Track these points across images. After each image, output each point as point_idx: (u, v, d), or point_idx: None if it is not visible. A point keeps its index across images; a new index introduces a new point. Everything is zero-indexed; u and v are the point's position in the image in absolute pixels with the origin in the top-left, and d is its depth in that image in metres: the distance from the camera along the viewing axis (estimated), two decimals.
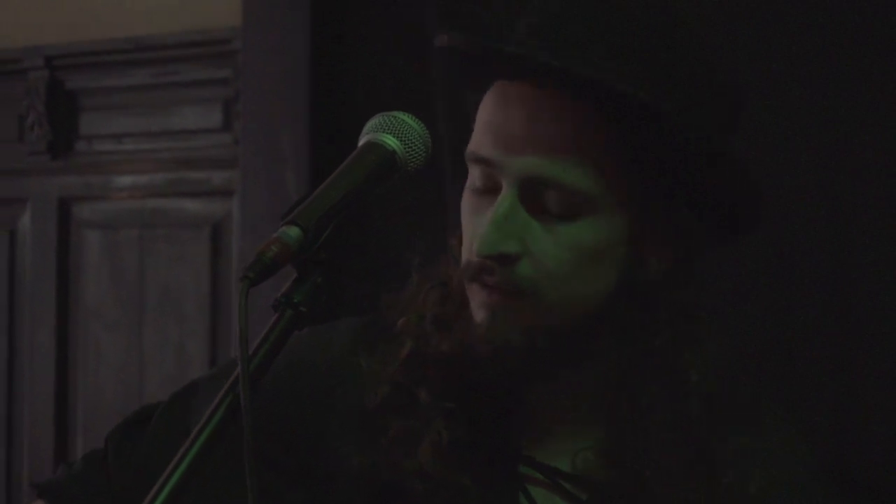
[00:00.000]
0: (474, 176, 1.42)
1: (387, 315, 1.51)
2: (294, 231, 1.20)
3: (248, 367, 1.13)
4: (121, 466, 1.58)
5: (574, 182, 1.36)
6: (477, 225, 1.40)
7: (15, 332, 3.84)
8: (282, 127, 3.18)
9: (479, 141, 1.41)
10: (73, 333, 3.77)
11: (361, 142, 1.31)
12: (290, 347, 1.51)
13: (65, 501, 1.60)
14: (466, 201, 1.43)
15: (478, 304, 1.40)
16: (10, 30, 3.83)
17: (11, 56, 3.81)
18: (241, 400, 1.13)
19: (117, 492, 1.57)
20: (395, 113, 1.32)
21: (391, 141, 1.30)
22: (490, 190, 1.40)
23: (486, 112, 1.41)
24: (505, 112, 1.39)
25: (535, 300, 1.38)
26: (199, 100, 3.62)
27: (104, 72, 3.75)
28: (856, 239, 2.49)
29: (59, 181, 3.81)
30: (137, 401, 3.62)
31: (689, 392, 1.42)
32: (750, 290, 2.49)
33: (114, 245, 3.74)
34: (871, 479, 2.41)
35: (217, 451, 1.16)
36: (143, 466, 1.55)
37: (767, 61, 2.50)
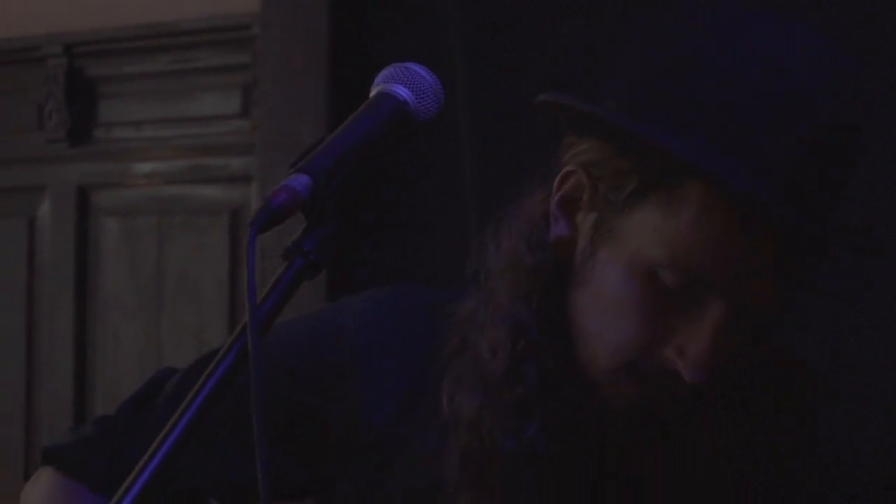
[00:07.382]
0: (665, 277, 1.31)
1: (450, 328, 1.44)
2: (303, 179, 1.18)
3: (256, 315, 1.11)
4: (131, 441, 1.51)
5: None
6: (659, 321, 1.32)
7: (34, 320, 3.84)
8: (300, 112, 3.15)
9: (704, 261, 1.29)
10: (92, 321, 3.76)
11: (373, 92, 1.29)
12: (303, 327, 1.47)
13: (76, 469, 1.53)
14: (646, 293, 1.32)
15: (629, 398, 1.33)
16: (28, 17, 3.83)
17: (30, 44, 3.81)
18: (250, 348, 1.11)
19: (128, 465, 1.52)
20: (408, 64, 1.30)
21: (403, 91, 1.28)
22: (679, 289, 1.31)
23: (714, 229, 1.28)
24: (744, 244, 1.28)
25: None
26: (218, 86, 3.62)
27: (123, 59, 3.75)
28: None
29: (77, 169, 3.81)
30: None
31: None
32: None
33: (132, 232, 3.73)
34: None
35: (224, 400, 1.13)
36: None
37: None
